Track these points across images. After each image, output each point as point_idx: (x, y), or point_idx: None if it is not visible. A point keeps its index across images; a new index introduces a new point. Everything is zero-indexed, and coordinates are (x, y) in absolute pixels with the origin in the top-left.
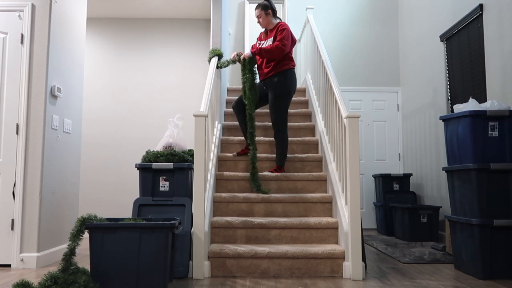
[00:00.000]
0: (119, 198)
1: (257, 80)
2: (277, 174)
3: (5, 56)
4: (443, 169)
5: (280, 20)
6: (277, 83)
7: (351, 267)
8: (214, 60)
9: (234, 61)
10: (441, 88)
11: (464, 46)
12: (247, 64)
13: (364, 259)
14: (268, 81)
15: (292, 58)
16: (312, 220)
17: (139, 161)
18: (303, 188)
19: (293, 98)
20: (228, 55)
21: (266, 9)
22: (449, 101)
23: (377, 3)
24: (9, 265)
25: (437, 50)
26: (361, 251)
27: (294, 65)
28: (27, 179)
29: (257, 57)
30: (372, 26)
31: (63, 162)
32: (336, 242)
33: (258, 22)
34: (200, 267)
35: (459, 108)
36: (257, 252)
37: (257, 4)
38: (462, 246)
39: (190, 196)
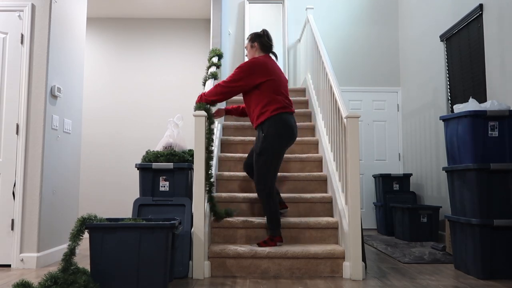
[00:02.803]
0: (119, 198)
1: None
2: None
3: (5, 56)
4: (443, 169)
5: (268, 56)
6: (258, 138)
7: (351, 267)
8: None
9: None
10: (441, 88)
11: (464, 46)
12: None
13: (364, 259)
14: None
15: (271, 100)
16: (312, 220)
17: (139, 161)
18: (303, 188)
19: (293, 98)
20: (228, 55)
21: (253, 41)
22: (449, 101)
23: (377, 3)
24: (9, 265)
25: (437, 50)
26: (361, 251)
27: (278, 108)
28: (27, 179)
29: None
30: (372, 26)
31: (63, 162)
32: (336, 242)
33: (246, 54)
34: (200, 267)
35: (459, 108)
36: (257, 252)
37: (249, 36)
38: (462, 246)
39: (190, 196)
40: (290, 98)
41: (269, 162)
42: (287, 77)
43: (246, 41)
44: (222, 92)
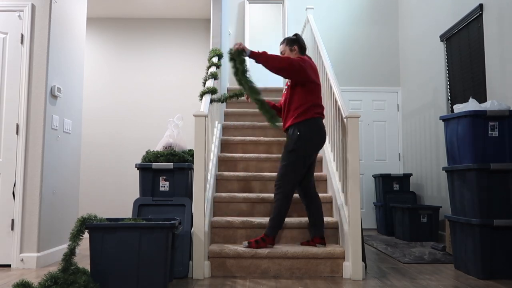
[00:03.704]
0: (119, 198)
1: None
2: (257, 244)
3: (5, 56)
4: (443, 169)
5: (308, 56)
6: (291, 137)
7: (351, 267)
8: (209, 84)
9: (231, 96)
10: (441, 88)
11: (464, 46)
12: (235, 56)
13: (364, 259)
14: (287, 135)
15: (317, 104)
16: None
17: (139, 161)
18: None
19: None
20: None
21: (292, 45)
22: (449, 101)
23: (377, 3)
24: (9, 265)
25: (437, 50)
26: (361, 251)
27: (320, 113)
28: (27, 179)
29: (275, 103)
30: (372, 26)
31: (63, 162)
32: (336, 242)
33: None
34: (200, 267)
35: (459, 108)
36: (257, 252)
37: (284, 41)
38: (462, 246)
39: (190, 196)
40: None
41: (298, 162)
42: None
43: (281, 46)
44: (292, 65)
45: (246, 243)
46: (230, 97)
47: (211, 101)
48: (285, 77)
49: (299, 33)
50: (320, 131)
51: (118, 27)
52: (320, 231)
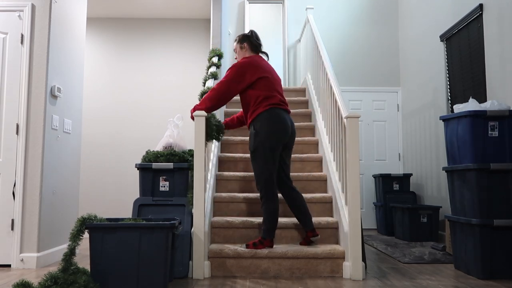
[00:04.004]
0: (119, 198)
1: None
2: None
3: (5, 56)
4: (443, 169)
5: (258, 54)
6: (250, 136)
7: (351, 267)
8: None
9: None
10: (441, 88)
11: (464, 46)
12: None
13: (364, 259)
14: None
15: (265, 96)
16: (312, 220)
17: (139, 161)
18: (303, 188)
19: (293, 98)
20: (228, 55)
21: (242, 42)
22: (449, 101)
23: (377, 3)
24: (9, 265)
25: (437, 50)
26: (361, 251)
27: (270, 104)
28: (27, 179)
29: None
30: (372, 26)
31: (63, 162)
32: (336, 242)
33: (235, 57)
34: (200, 267)
35: (459, 108)
36: (257, 252)
37: (236, 38)
38: (462, 246)
39: None
40: (291, 98)
41: (264, 160)
42: (287, 77)
43: (234, 44)
44: (216, 94)
45: (244, 245)
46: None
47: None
48: (229, 98)
49: (300, 33)
50: (277, 120)
51: (118, 27)
52: (309, 224)
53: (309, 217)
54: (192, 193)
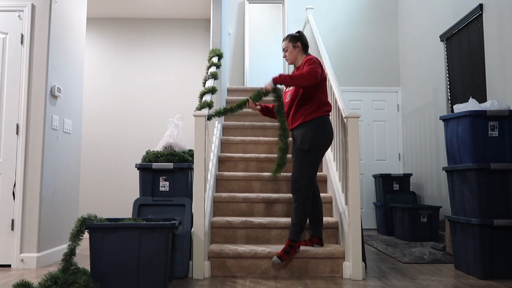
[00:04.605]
0: (119, 198)
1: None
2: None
3: (5, 56)
4: (443, 169)
5: (310, 55)
6: (305, 135)
7: (351, 267)
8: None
9: (237, 107)
10: (441, 88)
11: (464, 46)
12: (275, 98)
13: (364, 259)
14: (295, 133)
15: (326, 102)
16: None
17: (139, 161)
18: None
19: None
20: (228, 55)
21: (295, 41)
22: (449, 101)
23: (377, 3)
24: (9, 265)
25: (437, 50)
26: (361, 251)
27: (329, 110)
28: (27, 179)
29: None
30: (372, 26)
31: (63, 162)
32: (336, 242)
33: (284, 56)
34: (200, 267)
35: (459, 108)
36: (257, 252)
37: (287, 37)
38: (462, 246)
39: (190, 196)
40: None
41: (315, 160)
42: None
43: (284, 43)
44: (313, 78)
45: (277, 259)
46: (228, 111)
47: (209, 117)
48: (313, 84)
49: None
50: (331, 128)
51: (118, 27)
52: (319, 232)
53: (322, 225)
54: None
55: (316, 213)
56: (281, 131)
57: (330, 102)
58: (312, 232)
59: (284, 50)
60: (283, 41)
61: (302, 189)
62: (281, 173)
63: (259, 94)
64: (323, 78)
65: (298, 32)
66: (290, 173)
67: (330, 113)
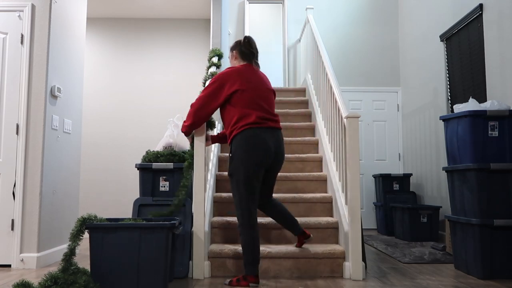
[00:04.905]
0: (119, 198)
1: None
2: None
3: (5, 56)
4: (443, 169)
5: (252, 63)
6: (228, 160)
7: (351, 267)
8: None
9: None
10: (441, 88)
11: (464, 46)
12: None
13: (364, 259)
14: None
15: (240, 115)
16: (312, 220)
17: (139, 161)
18: (303, 188)
19: (293, 98)
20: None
21: (232, 50)
22: (449, 101)
23: (377, 3)
24: (9, 265)
25: (437, 50)
26: (361, 251)
27: (248, 123)
28: (27, 179)
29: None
30: (372, 26)
31: (63, 162)
32: (336, 242)
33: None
34: (200, 267)
35: (459, 108)
36: None
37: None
38: (462, 246)
39: (190, 196)
40: (291, 98)
41: (241, 185)
42: (287, 77)
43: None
44: (194, 111)
45: (226, 281)
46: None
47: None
48: (209, 114)
49: (300, 33)
50: (252, 142)
51: (118, 27)
52: (297, 228)
53: (295, 221)
54: (181, 193)
55: (281, 218)
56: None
57: (252, 113)
58: (293, 232)
59: (228, 58)
60: None
61: (239, 218)
62: (280, 173)
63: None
64: (228, 95)
65: (244, 37)
66: (290, 173)
67: (253, 125)
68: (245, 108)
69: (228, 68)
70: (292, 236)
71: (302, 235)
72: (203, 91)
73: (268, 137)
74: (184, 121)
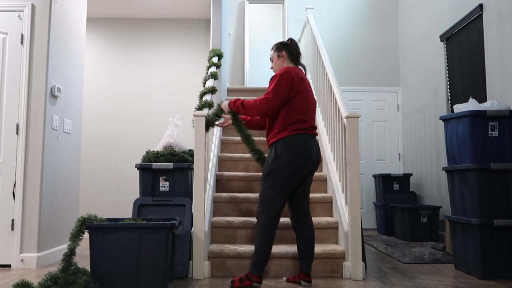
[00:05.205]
0: (119, 198)
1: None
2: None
3: (5, 56)
4: (443, 169)
5: (297, 66)
6: (268, 158)
7: (351, 267)
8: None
9: (218, 114)
10: (441, 88)
11: (464, 46)
12: (232, 120)
13: (364, 259)
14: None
15: (297, 119)
16: (312, 220)
17: (139, 161)
18: None
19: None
20: (228, 55)
21: (280, 50)
22: (449, 101)
23: (377, 3)
24: (9, 265)
25: (437, 50)
26: (361, 251)
27: (300, 128)
28: (27, 179)
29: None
30: (372, 26)
31: (63, 162)
32: (336, 242)
33: (271, 67)
34: (200, 267)
35: (459, 108)
36: None
37: (274, 46)
38: (462, 246)
39: (190, 196)
40: None
41: (278, 186)
42: None
43: (270, 52)
44: (264, 108)
45: (229, 282)
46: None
47: (208, 126)
48: (272, 112)
49: (300, 33)
50: (300, 146)
51: (118, 27)
52: (306, 267)
53: (310, 260)
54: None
55: (303, 246)
56: (245, 141)
57: (310, 117)
58: (300, 266)
59: (270, 59)
60: (271, 50)
61: (261, 218)
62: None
63: (216, 112)
64: (290, 97)
65: (290, 39)
66: None
67: (306, 131)
68: (302, 114)
69: (289, 68)
70: (292, 236)
71: (305, 275)
72: (273, 88)
73: (313, 145)
74: (243, 102)
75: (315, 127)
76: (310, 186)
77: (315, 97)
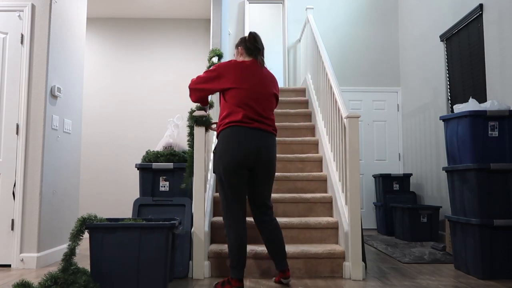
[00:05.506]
0: (119, 198)
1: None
2: None
3: (5, 56)
4: (443, 169)
5: (257, 59)
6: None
7: (351, 267)
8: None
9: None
10: (441, 88)
11: (464, 46)
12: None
13: (364, 259)
14: None
15: (228, 112)
16: (312, 220)
17: (139, 161)
18: (303, 188)
19: (293, 98)
20: (228, 55)
21: (236, 47)
22: (449, 101)
23: (377, 3)
24: (9, 265)
25: (437, 50)
26: (361, 251)
27: (232, 122)
28: (27, 179)
29: None
30: (372, 26)
31: (63, 162)
32: (336, 242)
33: None
34: (200, 267)
35: (459, 108)
36: (257, 252)
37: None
38: (462, 246)
39: (190, 196)
40: (291, 98)
41: (222, 184)
42: (287, 77)
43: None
44: (190, 94)
45: (213, 285)
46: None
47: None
48: (205, 97)
49: (300, 33)
50: (232, 140)
51: (118, 27)
52: (281, 264)
53: (284, 256)
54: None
55: (268, 242)
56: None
57: (236, 109)
58: (275, 266)
59: (234, 55)
60: None
61: (224, 219)
62: (280, 173)
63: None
64: (220, 89)
65: (249, 33)
66: (290, 173)
67: (237, 123)
68: (235, 106)
69: (235, 60)
70: (291, 236)
71: (283, 273)
72: (204, 72)
73: (252, 138)
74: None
75: (255, 119)
76: (268, 180)
77: (273, 90)
